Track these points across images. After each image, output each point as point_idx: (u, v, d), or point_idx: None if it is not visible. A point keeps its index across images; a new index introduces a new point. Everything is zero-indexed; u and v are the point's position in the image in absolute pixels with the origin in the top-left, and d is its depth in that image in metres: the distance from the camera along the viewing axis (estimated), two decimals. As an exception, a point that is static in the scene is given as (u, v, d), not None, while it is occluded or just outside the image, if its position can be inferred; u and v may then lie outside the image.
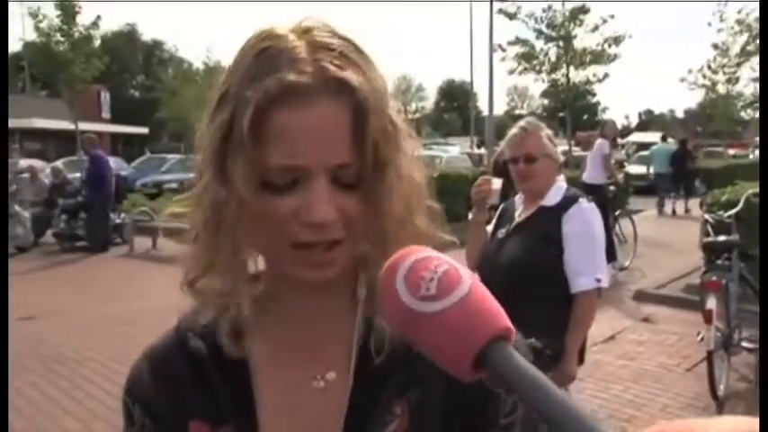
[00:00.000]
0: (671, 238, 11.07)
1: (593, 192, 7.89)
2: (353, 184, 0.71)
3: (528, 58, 20.48)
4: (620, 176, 9.88)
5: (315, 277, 0.74)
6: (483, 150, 23.42)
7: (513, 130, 2.86)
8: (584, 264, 2.67)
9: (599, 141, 9.13)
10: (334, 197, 0.70)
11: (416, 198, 0.76)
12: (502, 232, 2.88)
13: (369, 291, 0.78)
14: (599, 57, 20.09)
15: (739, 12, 23.56)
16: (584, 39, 20.11)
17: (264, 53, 0.70)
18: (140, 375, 0.83)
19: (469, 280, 0.56)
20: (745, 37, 23.70)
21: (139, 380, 0.83)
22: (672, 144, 18.38)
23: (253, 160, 0.68)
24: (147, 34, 57.59)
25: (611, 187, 9.13)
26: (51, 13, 18.25)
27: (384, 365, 0.77)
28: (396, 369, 0.77)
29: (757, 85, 25.76)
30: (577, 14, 19.72)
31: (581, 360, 2.84)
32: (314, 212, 0.69)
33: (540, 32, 20.04)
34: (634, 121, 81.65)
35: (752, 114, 28.93)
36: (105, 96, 38.95)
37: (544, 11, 19.73)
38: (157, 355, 0.84)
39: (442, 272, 0.56)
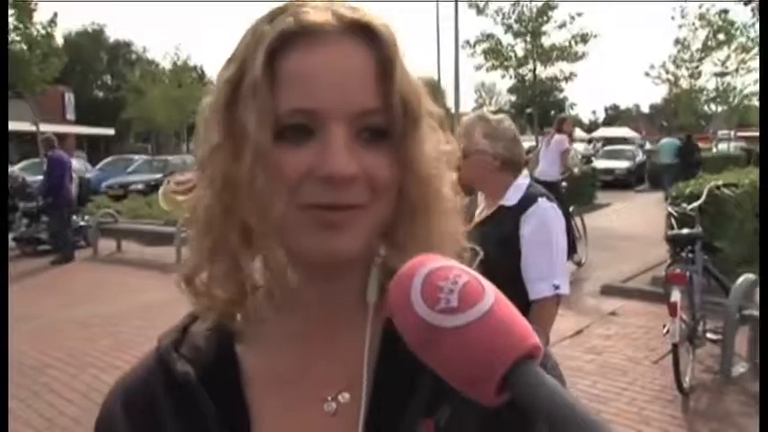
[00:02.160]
0: (644, 230, 11.17)
1: (548, 188, 7.82)
2: (381, 138, 0.62)
3: (495, 53, 20.58)
4: (576, 171, 9.84)
5: (328, 243, 0.61)
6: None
7: None
8: (543, 269, 2.51)
9: (557, 137, 9.01)
10: (358, 153, 0.60)
11: (444, 168, 0.68)
12: None
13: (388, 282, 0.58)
14: (566, 53, 20.26)
15: (700, 7, 24.01)
16: (551, 35, 20.32)
17: (280, 7, 0.65)
18: (111, 410, 0.72)
19: (492, 292, 0.50)
20: (706, 32, 24.17)
21: (110, 416, 0.71)
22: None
23: (266, 104, 0.60)
24: (113, 35, 56.66)
25: (563, 183, 9.04)
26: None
27: (406, 380, 0.64)
28: (420, 383, 0.64)
29: (719, 79, 26.31)
30: (546, 11, 19.89)
31: None
32: (329, 163, 0.59)
33: (508, 27, 20.15)
34: (601, 117, 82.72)
35: (714, 109, 29.47)
36: (69, 97, 38.25)
37: (513, 4, 19.87)
38: (132, 386, 0.72)
39: (463, 283, 0.50)
